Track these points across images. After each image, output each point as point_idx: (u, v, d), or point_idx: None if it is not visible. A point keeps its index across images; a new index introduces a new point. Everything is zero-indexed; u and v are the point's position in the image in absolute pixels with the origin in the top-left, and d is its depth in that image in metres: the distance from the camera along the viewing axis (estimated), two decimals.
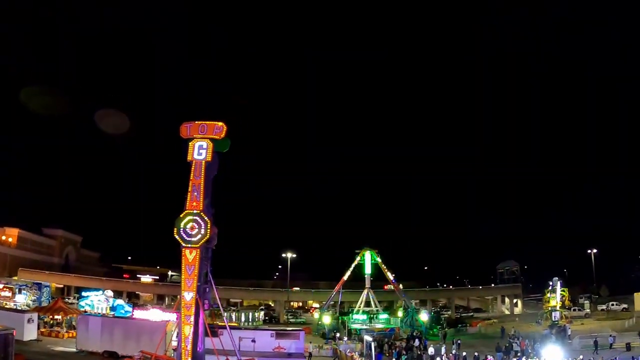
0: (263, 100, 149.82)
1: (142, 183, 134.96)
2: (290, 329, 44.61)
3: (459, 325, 63.53)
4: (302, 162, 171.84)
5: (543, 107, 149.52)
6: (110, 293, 56.66)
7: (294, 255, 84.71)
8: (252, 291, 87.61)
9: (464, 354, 41.07)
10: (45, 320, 44.29)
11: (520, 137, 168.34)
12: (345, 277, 65.86)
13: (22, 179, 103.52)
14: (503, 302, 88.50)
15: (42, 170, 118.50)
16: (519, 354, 41.35)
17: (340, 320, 59.33)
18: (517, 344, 44.14)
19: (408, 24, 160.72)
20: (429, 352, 42.88)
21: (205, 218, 24.44)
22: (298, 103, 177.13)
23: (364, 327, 55.63)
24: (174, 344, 28.92)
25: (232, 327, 37.47)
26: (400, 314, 62.61)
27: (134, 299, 77.90)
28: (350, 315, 61.72)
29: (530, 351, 41.53)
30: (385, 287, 74.24)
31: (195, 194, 24.79)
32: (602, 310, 68.64)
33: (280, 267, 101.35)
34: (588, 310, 68.29)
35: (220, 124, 25.51)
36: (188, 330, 24.16)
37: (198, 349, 24.50)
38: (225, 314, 63.45)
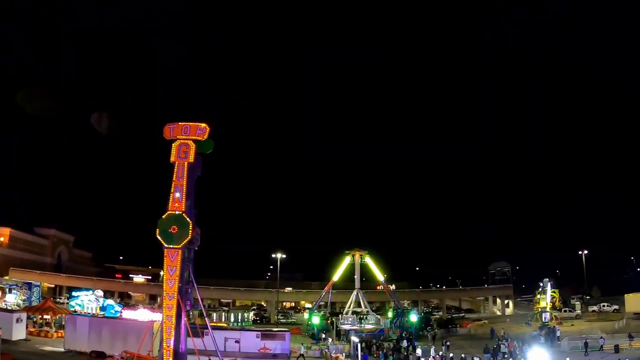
0: (263, 100, 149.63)
1: (137, 183, 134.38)
2: (277, 329, 44.44)
3: (449, 326, 63.67)
4: (302, 162, 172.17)
5: (543, 107, 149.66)
6: (100, 293, 56.71)
7: (287, 256, 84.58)
8: (243, 291, 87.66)
9: (451, 355, 41.10)
10: (35, 320, 44.32)
11: (520, 137, 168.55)
12: (336, 278, 65.96)
13: (15, 179, 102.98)
14: (494, 302, 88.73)
15: (34, 169, 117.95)
16: (506, 356, 41.29)
17: (329, 321, 59.42)
18: (505, 346, 43.83)
19: (408, 24, 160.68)
20: (417, 354, 42.94)
21: (187, 219, 24.36)
22: (298, 103, 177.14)
23: (354, 327, 55.71)
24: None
25: (218, 328, 37.59)
26: (390, 314, 62.73)
27: (126, 299, 77.92)
28: (340, 315, 61.83)
29: (518, 353, 41.27)
30: (378, 287, 74.39)
31: (178, 195, 24.67)
32: (594, 311, 68.68)
33: (271, 267, 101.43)
34: (579, 311, 68.46)
35: (203, 125, 25.27)
36: (170, 330, 24.18)
37: (180, 349, 24.52)
38: (215, 314, 63.77)
